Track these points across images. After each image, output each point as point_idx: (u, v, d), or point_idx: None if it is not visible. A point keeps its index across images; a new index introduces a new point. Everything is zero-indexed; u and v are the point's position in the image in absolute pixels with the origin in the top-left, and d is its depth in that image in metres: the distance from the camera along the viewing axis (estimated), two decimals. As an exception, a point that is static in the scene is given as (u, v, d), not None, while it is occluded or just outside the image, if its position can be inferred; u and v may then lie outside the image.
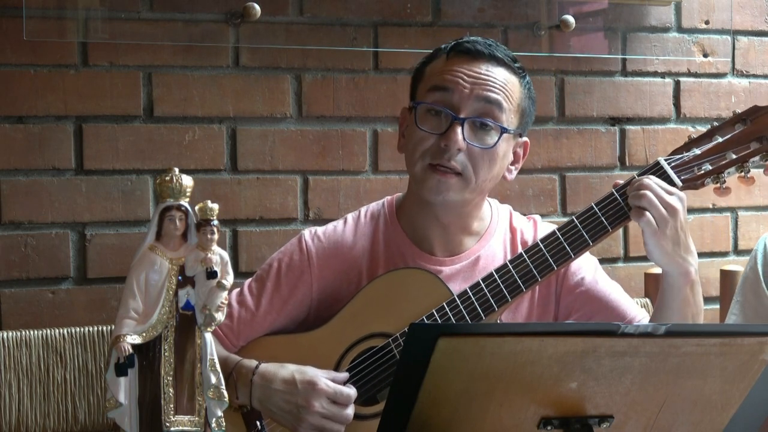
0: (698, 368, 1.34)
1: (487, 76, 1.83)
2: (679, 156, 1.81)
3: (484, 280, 1.79)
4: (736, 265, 2.51)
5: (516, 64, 1.88)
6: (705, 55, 2.70)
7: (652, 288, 2.46)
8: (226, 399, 1.37)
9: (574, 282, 1.94)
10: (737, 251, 2.73)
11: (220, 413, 1.37)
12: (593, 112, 2.61)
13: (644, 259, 2.60)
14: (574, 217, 1.80)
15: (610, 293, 1.95)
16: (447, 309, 1.78)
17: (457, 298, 1.78)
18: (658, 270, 2.45)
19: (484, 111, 1.82)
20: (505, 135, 1.83)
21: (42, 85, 2.22)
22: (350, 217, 1.98)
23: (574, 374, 1.30)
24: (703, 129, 2.68)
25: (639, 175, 1.78)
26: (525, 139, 1.92)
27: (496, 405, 1.32)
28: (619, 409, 1.36)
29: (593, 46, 2.59)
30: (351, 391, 1.74)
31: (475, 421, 1.33)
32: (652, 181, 1.75)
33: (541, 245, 1.79)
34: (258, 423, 1.75)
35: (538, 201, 2.56)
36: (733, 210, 2.74)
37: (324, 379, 1.73)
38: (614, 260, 2.64)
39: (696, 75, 2.70)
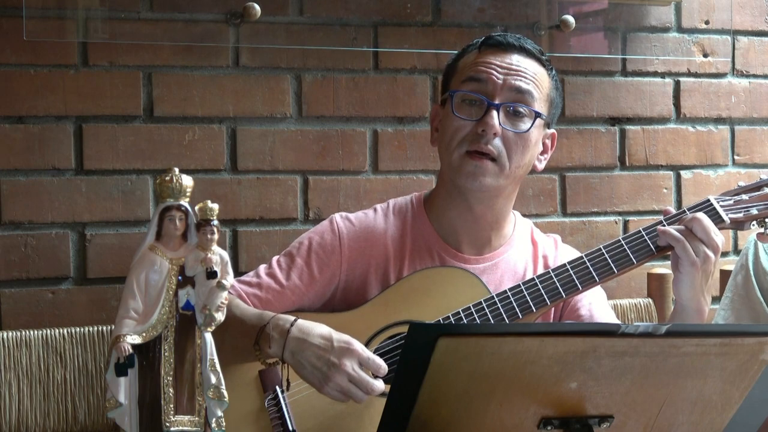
0: (698, 368, 1.34)
1: (518, 66, 1.90)
2: (729, 197, 1.91)
3: (525, 283, 1.84)
4: (736, 265, 2.51)
5: (544, 57, 1.95)
6: (705, 55, 2.70)
7: (654, 288, 2.45)
8: (226, 399, 1.37)
9: (580, 305, 1.99)
10: (737, 251, 2.73)
11: (220, 413, 1.37)
12: (593, 112, 2.61)
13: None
14: (620, 237, 1.87)
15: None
16: (484, 305, 1.82)
17: (495, 297, 1.82)
18: (659, 270, 2.45)
19: (517, 99, 1.88)
20: (537, 121, 1.89)
21: (42, 85, 2.22)
22: (379, 207, 2.02)
23: (574, 374, 1.30)
24: (703, 129, 2.70)
25: (690, 209, 1.87)
26: (553, 130, 1.99)
27: (496, 405, 1.32)
28: (619, 409, 1.36)
29: (593, 46, 2.59)
30: (383, 363, 1.72)
31: (475, 421, 1.33)
32: (704, 217, 1.82)
33: (586, 259, 1.85)
34: (277, 388, 1.76)
35: (538, 201, 2.56)
36: (733, 210, 2.74)
37: (360, 343, 1.73)
38: (614, 260, 2.64)
39: (696, 75, 2.70)
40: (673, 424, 1.39)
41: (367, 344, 1.82)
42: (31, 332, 2.05)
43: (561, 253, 2.04)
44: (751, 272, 2.17)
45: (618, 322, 2.05)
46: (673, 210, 1.89)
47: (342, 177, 2.42)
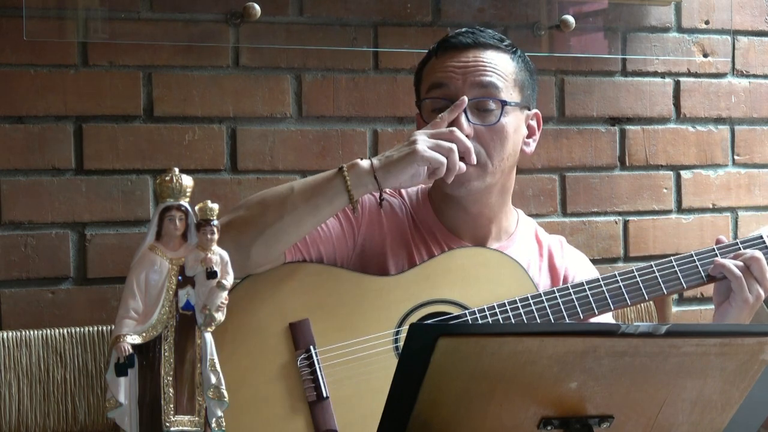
0: (698, 368, 1.34)
1: (476, 62, 1.89)
2: None
3: (574, 286, 1.84)
4: (736, 265, 2.51)
5: (503, 43, 1.93)
6: (705, 55, 2.70)
7: (652, 288, 2.45)
8: (226, 399, 1.37)
9: None
10: (737, 251, 2.73)
11: (220, 413, 1.37)
12: (593, 112, 2.62)
13: (644, 259, 2.60)
14: (672, 258, 1.87)
15: None
16: (531, 301, 1.81)
17: (542, 295, 1.82)
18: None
19: (481, 94, 1.87)
20: (506, 108, 1.87)
21: (42, 85, 2.22)
22: (389, 190, 1.99)
23: (574, 374, 1.30)
24: (703, 129, 2.70)
25: (742, 243, 1.89)
26: (535, 110, 1.97)
27: (496, 405, 1.32)
28: (619, 409, 1.36)
29: (593, 46, 2.59)
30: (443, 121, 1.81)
31: (475, 421, 1.33)
32: (763, 257, 1.84)
33: (636, 274, 1.86)
34: (311, 348, 1.75)
35: (537, 201, 2.56)
36: (733, 210, 2.74)
37: None
38: (614, 260, 2.64)
39: (696, 75, 2.70)
40: (673, 424, 1.39)
41: (406, 317, 1.80)
42: (31, 332, 2.05)
43: (567, 253, 2.03)
44: None
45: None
46: (725, 239, 1.90)
47: (342, 177, 2.42)
